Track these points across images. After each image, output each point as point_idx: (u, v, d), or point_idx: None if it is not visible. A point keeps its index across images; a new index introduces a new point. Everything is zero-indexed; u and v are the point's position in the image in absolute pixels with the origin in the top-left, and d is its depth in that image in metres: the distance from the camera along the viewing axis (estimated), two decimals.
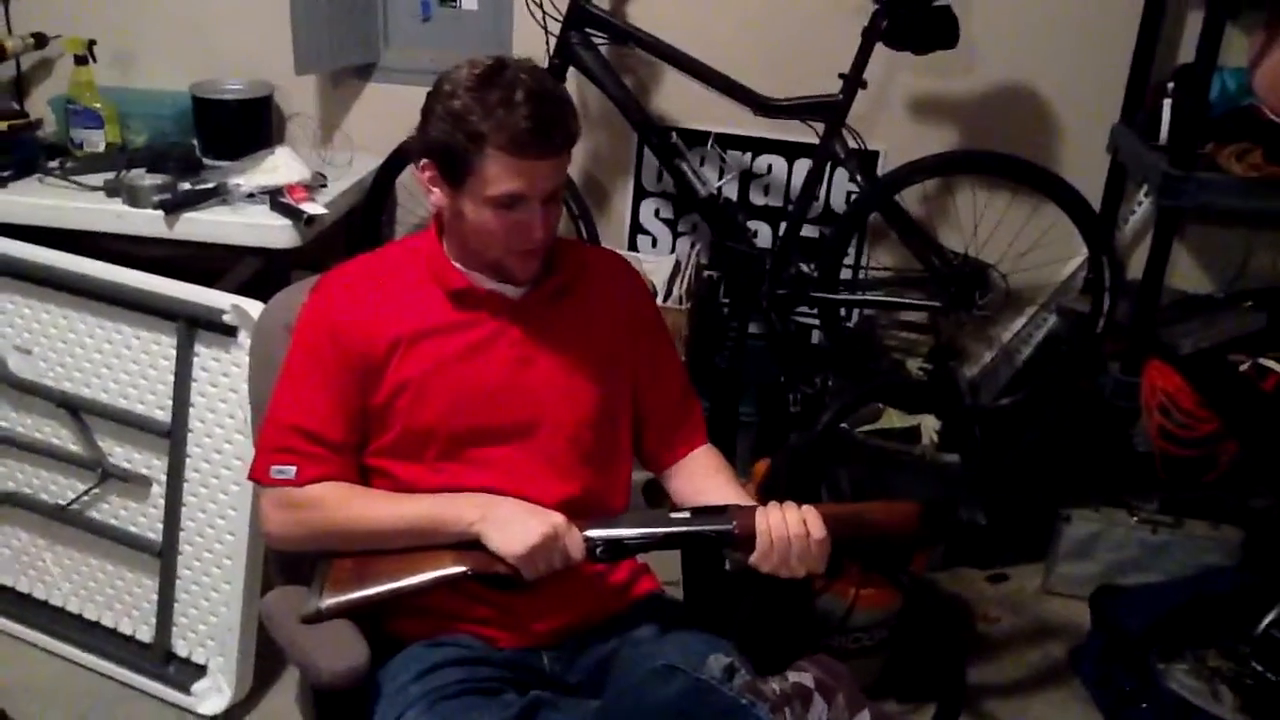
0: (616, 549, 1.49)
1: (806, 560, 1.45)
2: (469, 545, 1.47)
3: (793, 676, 1.38)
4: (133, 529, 2.35)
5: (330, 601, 1.47)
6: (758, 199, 3.12)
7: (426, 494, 1.52)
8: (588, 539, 1.48)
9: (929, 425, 2.77)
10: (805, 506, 1.47)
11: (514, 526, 1.45)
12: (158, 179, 2.68)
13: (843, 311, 3.07)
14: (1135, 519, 2.71)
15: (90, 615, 2.44)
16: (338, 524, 1.51)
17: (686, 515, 1.51)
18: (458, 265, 1.58)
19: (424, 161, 1.52)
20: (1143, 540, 2.70)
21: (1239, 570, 2.61)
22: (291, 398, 1.55)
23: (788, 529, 1.44)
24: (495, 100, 1.43)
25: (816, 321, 3.04)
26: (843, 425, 2.55)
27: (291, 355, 1.58)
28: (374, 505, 1.53)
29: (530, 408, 1.57)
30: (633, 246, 3.18)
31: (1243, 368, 2.51)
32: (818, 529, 1.45)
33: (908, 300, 2.93)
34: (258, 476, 1.55)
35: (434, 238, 1.60)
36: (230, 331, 2.18)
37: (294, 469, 1.52)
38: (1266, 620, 2.26)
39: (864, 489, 2.37)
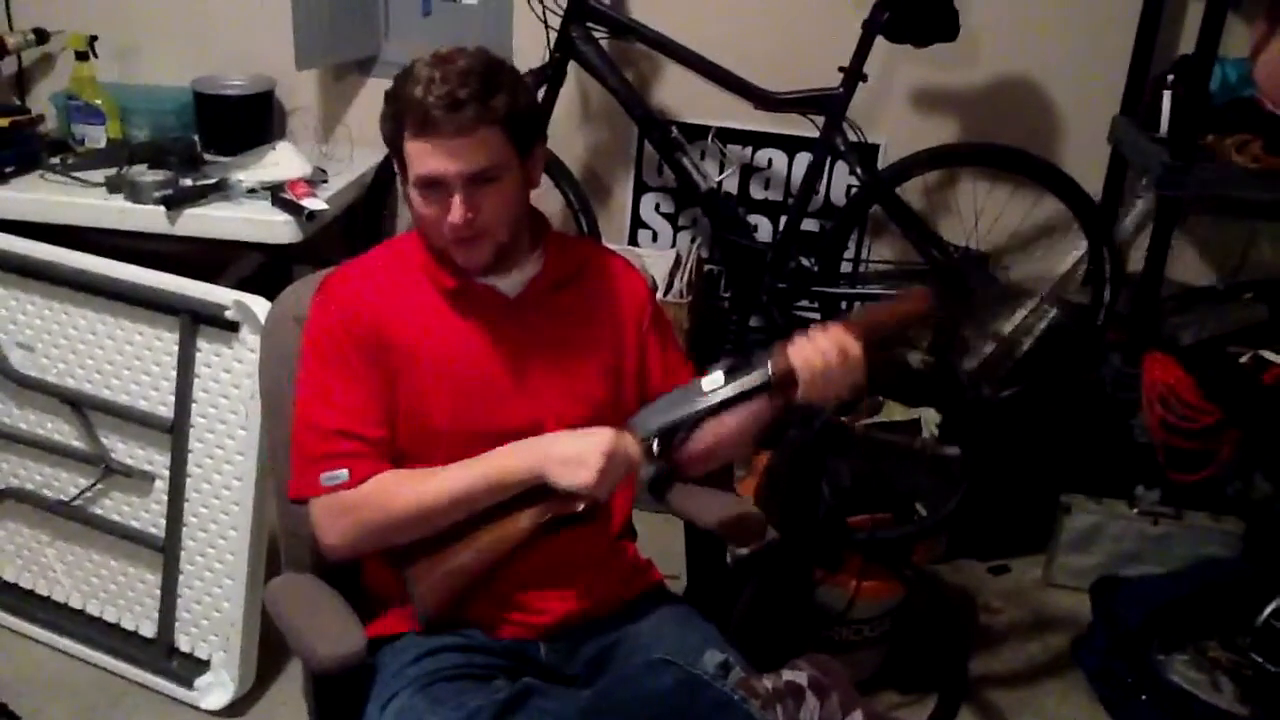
0: (670, 436, 1.48)
1: (850, 378, 1.45)
2: (521, 497, 1.47)
3: (787, 674, 1.38)
4: (135, 524, 2.35)
5: (432, 603, 1.48)
6: (758, 193, 3.13)
7: (469, 460, 1.49)
8: (642, 438, 1.48)
9: (930, 418, 2.77)
10: (831, 327, 1.47)
11: (575, 459, 1.43)
12: (159, 175, 2.69)
13: (843, 305, 3.08)
14: (1136, 510, 2.71)
15: (93, 611, 2.45)
16: (396, 513, 1.47)
17: (719, 378, 1.49)
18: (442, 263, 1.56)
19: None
20: (1143, 532, 2.70)
21: (1239, 561, 2.61)
22: (324, 404, 1.51)
23: (823, 355, 1.44)
24: (422, 80, 1.42)
25: (817, 315, 3.04)
26: (843, 418, 2.56)
27: (310, 364, 1.53)
28: (426, 484, 1.48)
29: (533, 406, 1.56)
30: (633, 241, 3.19)
31: (1243, 360, 2.52)
32: (852, 345, 1.45)
33: None
34: (308, 492, 1.49)
35: (416, 236, 1.58)
36: (233, 327, 2.18)
37: (347, 472, 1.47)
38: (1267, 611, 2.26)
39: (865, 482, 2.37)
